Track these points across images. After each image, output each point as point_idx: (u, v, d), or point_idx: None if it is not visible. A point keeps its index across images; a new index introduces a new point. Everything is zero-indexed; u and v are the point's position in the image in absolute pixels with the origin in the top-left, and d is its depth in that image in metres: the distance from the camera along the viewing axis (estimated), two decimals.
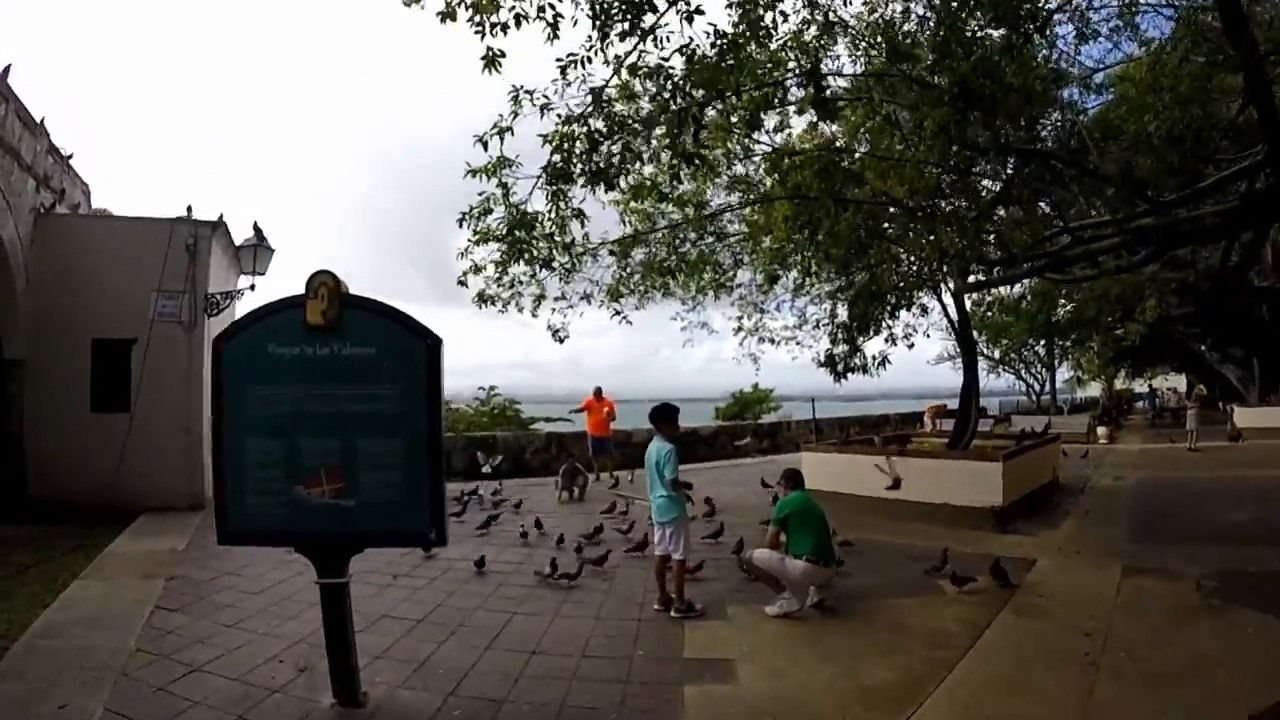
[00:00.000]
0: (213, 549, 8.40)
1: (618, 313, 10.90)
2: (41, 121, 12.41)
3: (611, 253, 10.59)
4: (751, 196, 11.38)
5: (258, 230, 12.24)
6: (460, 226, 7.58)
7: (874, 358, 12.90)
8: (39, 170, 12.38)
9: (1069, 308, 28.26)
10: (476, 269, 8.70)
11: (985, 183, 10.35)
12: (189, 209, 12.91)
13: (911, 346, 13.89)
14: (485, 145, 6.56)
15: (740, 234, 12.88)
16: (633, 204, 10.52)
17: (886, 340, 13.17)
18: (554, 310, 10.65)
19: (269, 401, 5.26)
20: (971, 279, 12.62)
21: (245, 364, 5.25)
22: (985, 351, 34.25)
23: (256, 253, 12.10)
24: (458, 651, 6.15)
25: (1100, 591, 7.35)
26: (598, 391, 16.31)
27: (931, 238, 9.91)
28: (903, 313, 12.81)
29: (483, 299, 9.46)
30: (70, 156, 13.91)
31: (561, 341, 10.27)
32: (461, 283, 8.76)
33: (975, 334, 34.51)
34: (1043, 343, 35.64)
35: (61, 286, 12.21)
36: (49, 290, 12.17)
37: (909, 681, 5.40)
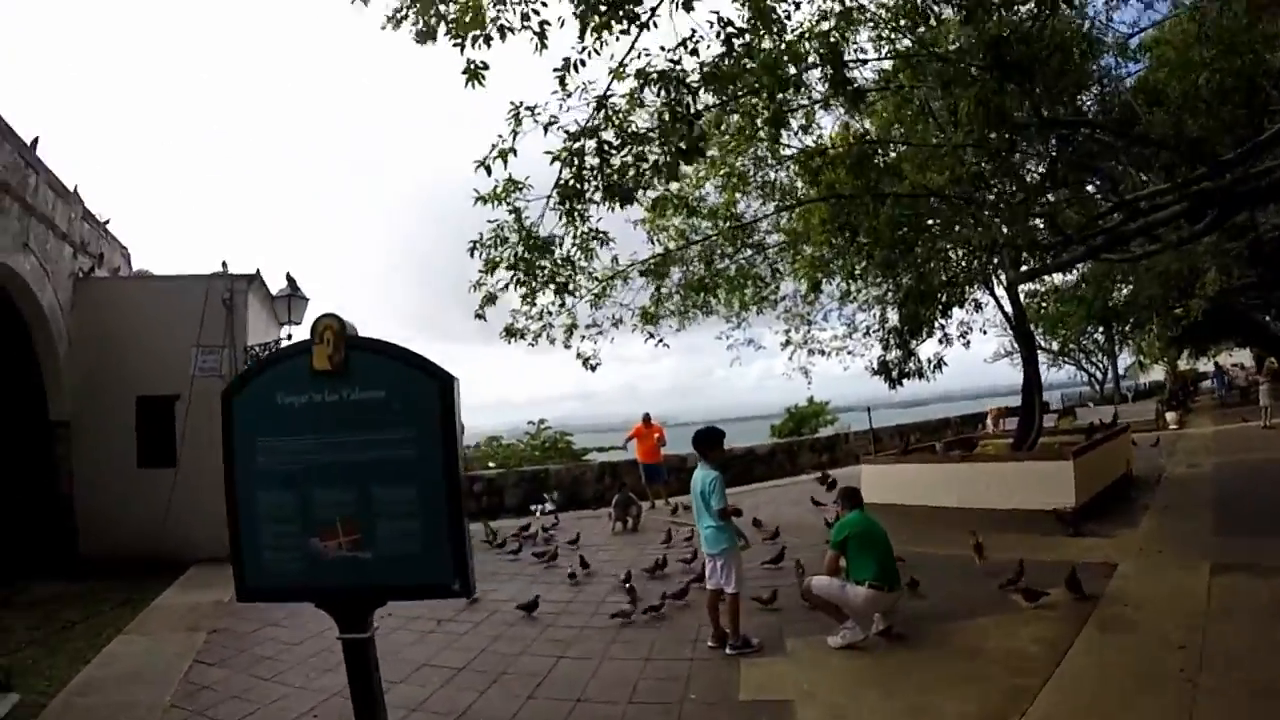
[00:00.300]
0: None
1: (651, 335, 10.39)
2: (75, 189, 12.62)
3: (642, 274, 10.09)
4: (785, 202, 10.77)
5: (291, 280, 12.18)
6: (471, 256, 7.22)
7: (929, 360, 12.23)
8: (75, 237, 12.58)
9: (1126, 291, 26.97)
10: (491, 299, 8.07)
11: (1030, 165, 9.67)
12: (224, 264, 13.09)
13: (968, 345, 13.19)
14: (489, 170, 6.20)
15: (779, 244, 12.33)
16: (659, 220, 10.04)
17: (940, 341, 12.48)
18: (584, 338, 10.18)
19: (279, 452, 4.93)
20: (1024, 268, 11.82)
21: (254, 415, 4.99)
22: (1043, 344, 32.95)
23: (291, 303, 12.02)
24: (499, 700, 5.81)
25: (1190, 595, 6.63)
26: (646, 418, 15.80)
27: (979, 228, 9.23)
28: (955, 311, 12.08)
29: (510, 333, 9.10)
30: (107, 222, 14.15)
31: (593, 369, 9.84)
32: (480, 315, 8.17)
33: (1032, 327, 33.39)
34: (1101, 330, 34.12)
35: (103, 348, 12.36)
36: (91, 352, 12.34)
37: (986, 716, 4.84)
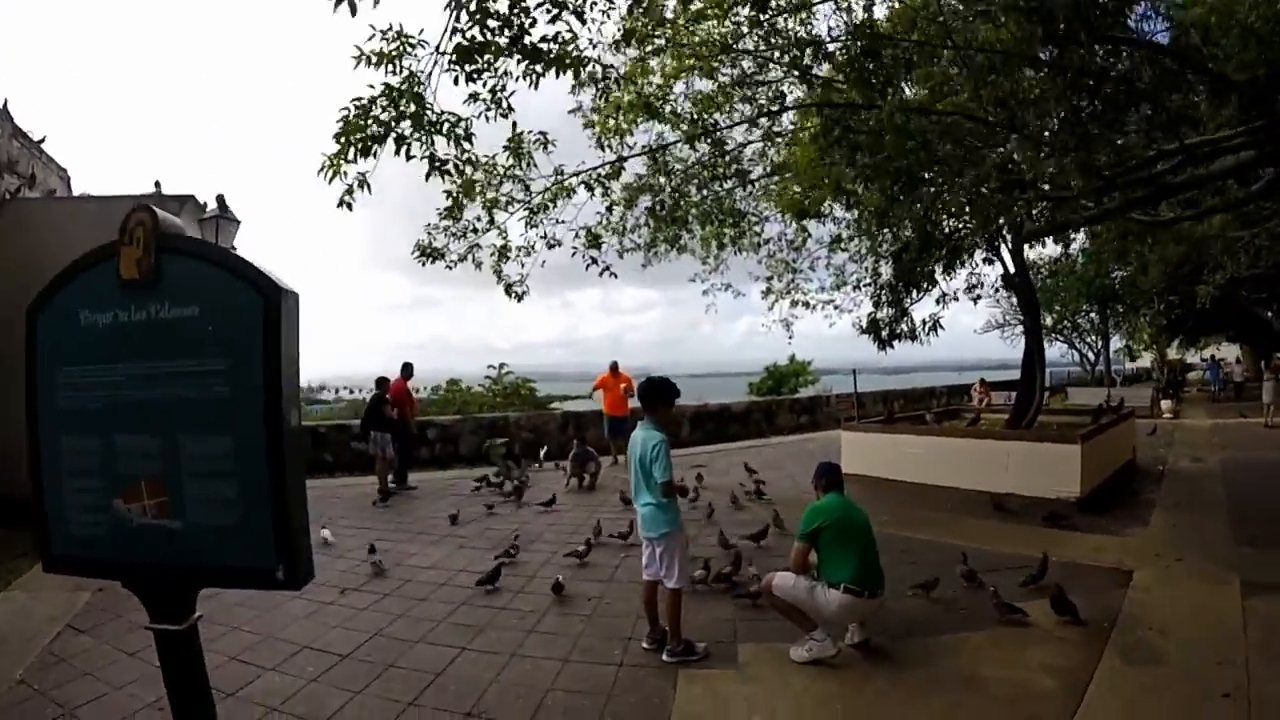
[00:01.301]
0: None
1: (594, 261, 8.33)
2: (5, 106, 11.51)
3: (587, 187, 8.11)
4: (771, 107, 8.84)
5: (220, 201, 10.74)
6: (340, 144, 5.11)
7: (924, 322, 10.77)
8: (1, 157, 11.18)
9: (1126, 271, 25.51)
10: (350, 194, 5.44)
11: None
12: (157, 184, 11.64)
13: (977, 300, 11.72)
14: (353, 7, 4.30)
15: (764, 175, 10.72)
16: (611, 122, 8.14)
17: (938, 301, 11.04)
18: (510, 258, 8.39)
19: (81, 386, 3.52)
20: (1038, 223, 10.17)
21: (57, 338, 3.66)
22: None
23: (219, 225, 10.56)
24: (372, 707, 4.52)
25: (1222, 623, 5.28)
26: (613, 366, 14.13)
27: (1007, 161, 7.56)
28: (955, 269, 10.58)
29: (426, 253, 7.55)
30: (42, 140, 12.74)
31: (519, 298, 8.19)
32: (345, 204, 5.50)
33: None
34: (1095, 309, 32.64)
35: (28, 273, 10.69)
36: (16, 277, 10.74)
37: None
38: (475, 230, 7.57)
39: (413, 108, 4.88)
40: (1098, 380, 31.74)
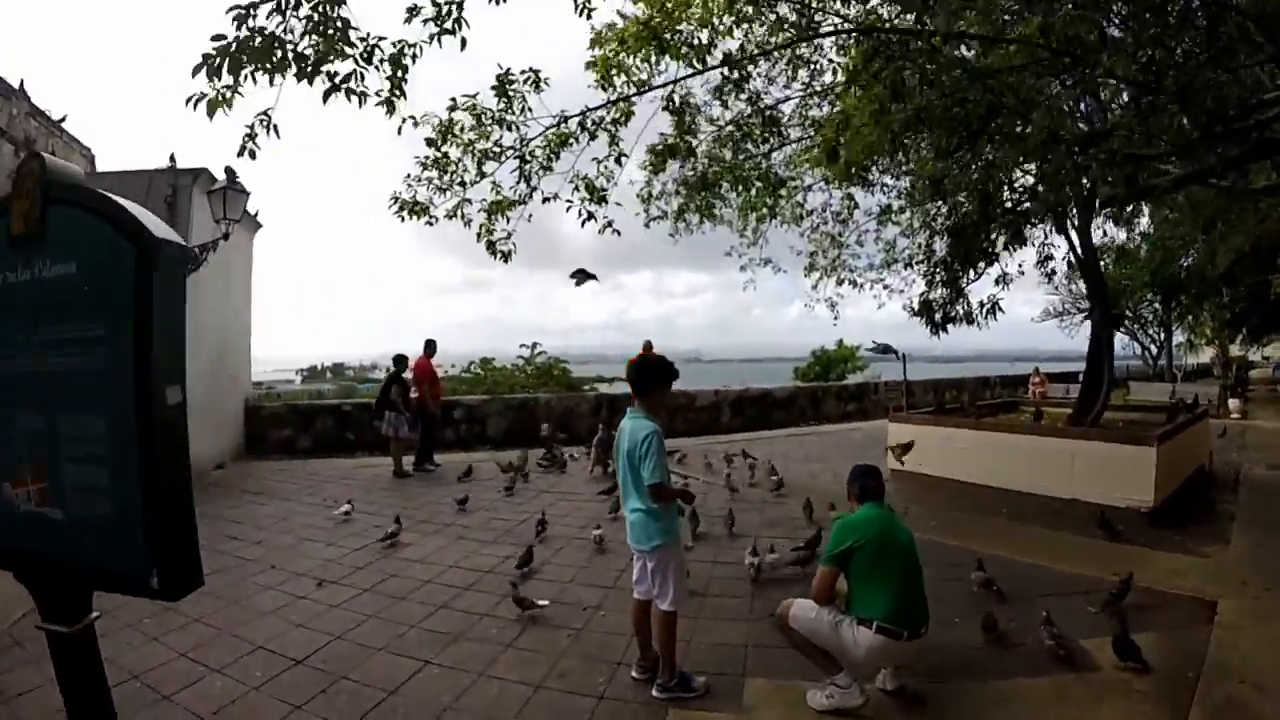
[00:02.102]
0: None
1: (591, 217, 7.04)
2: (21, 85, 11.08)
3: (585, 129, 6.79)
4: (803, 33, 7.37)
5: (229, 173, 10.09)
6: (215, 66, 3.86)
7: (981, 304, 9.58)
8: (17, 134, 10.86)
9: (1191, 259, 23.51)
10: (251, 139, 4.39)
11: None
12: (172, 158, 11.09)
13: (1052, 274, 10.59)
14: None
15: (804, 137, 9.58)
16: (618, 56, 6.80)
17: (998, 281, 9.83)
18: (493, 212, 7.19)
19: None
20: (1111, 192, 8.77)
21: None
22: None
23: (226, 196, 9.94)
24: None
25: None
26: (647, 346, 12.99)
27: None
28: (1020, 244, 9.36)
29: (406, 208, 6.65)
30: (63, 119, 12.24)
31: (505, 259, 7.09)
32: (247, 151, 4.48)
33: (1085, 287, 29.73)
34: (1159, 299, 30.28)
35: None
36: None
37: None
38: (464, 183, 6.64)
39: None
40: (1159, 375, 29.51)
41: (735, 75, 7.19)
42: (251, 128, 4.22)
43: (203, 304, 11.07)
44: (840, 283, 11.93)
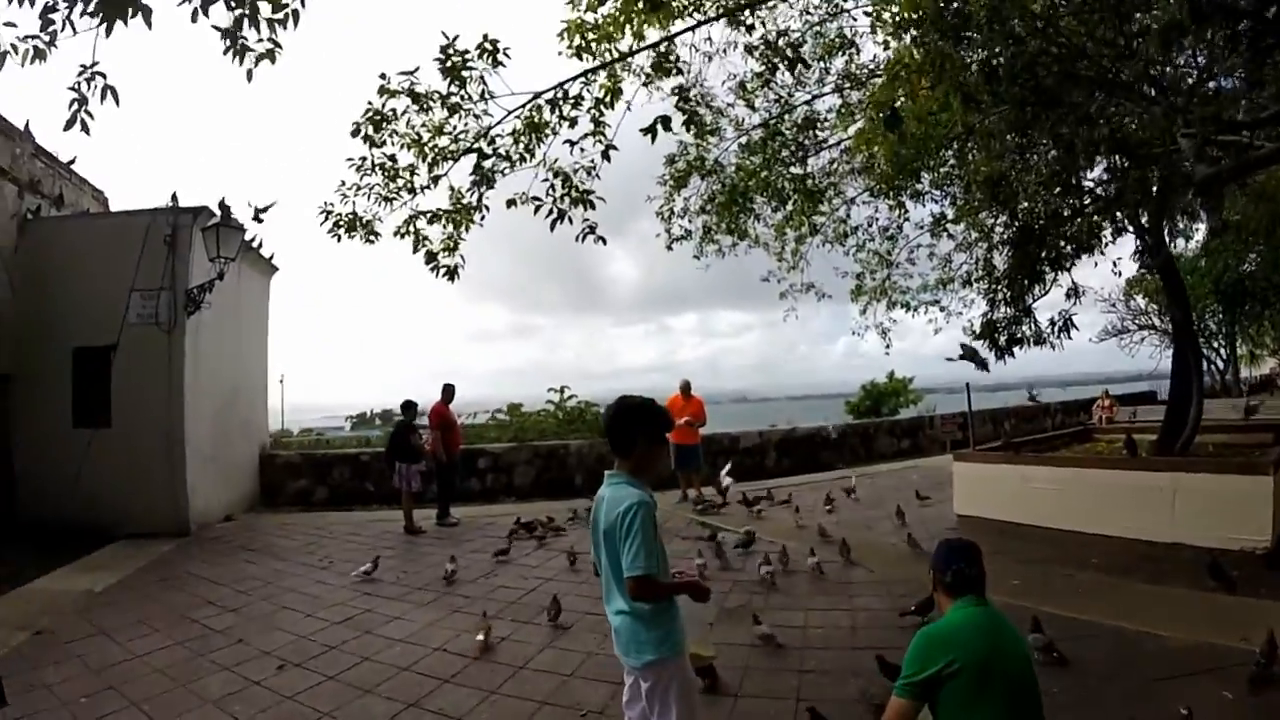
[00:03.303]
0: (136, 594, 6.98)
1: (561, 216, 5.65)
2: (26, 126, 10.99)
3: (561, 113, 5.53)
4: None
5: (223, 208, 9.45)
6: None
7: (1052, 321, 8.37)
8: (21, 175, 10.90)
9: (1255, 264, 21.61)
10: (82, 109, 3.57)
11: None
12: (174, 197, 10.59)
13: (1150, 270, 9.43)
14: None
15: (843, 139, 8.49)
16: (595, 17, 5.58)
17: (1068, 296, 8.58)
18: (462, 224, 5.98)
19: None
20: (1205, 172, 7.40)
21: None
22: (1157, 323, 27.14)
23: (220, 234, 9.29)
24: None
25: None
26: (685, 387, 11.72)
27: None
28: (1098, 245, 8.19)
29: (340, 224, 5.58)
30: (72, 161, 12.08)
31: (451, 277, 5.89)
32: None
33: (1143, 302, 27.49)
34: (1223, 309, 27.84)
35: (46, 293, 10.46)
36: (35, 298, 10.46)
37: None
38: (413, 190, 5.58)
39: None
40: (1225, 390, 27.08)
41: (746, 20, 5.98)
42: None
43: (207, 348, 10.40)
44: (891, 306, 10.76)
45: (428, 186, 5.55)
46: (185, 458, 9.85)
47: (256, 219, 10.42)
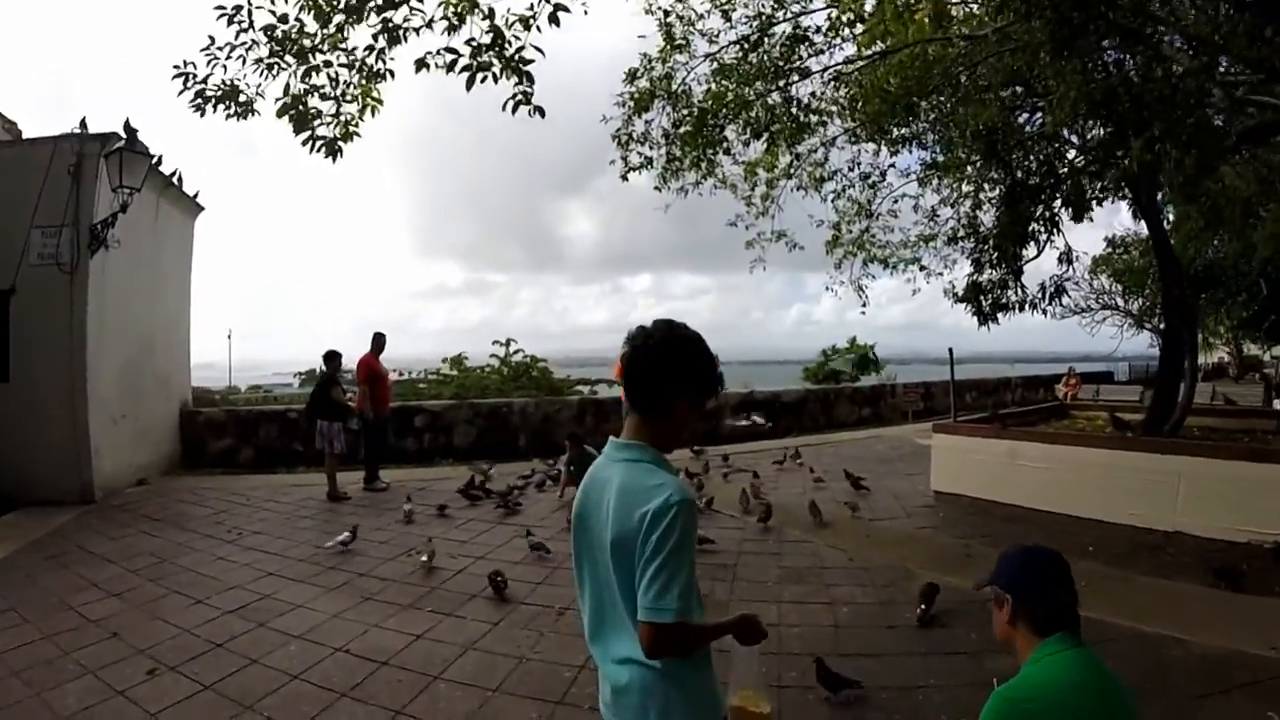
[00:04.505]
0: (18, 575, 5.98)
1: (480, 71, 4.32)
2: None
3: None
4: None
5: (129, 131, 8.12)
6: None
7: (1043, 286, 7.71)
8: None
9: (1221, 250, 21.30)
10: None
11: None
12: (83, 123, 9.06)
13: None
14: None
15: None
16: None
17: (1061, 260, 7.85)
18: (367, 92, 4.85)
19: None
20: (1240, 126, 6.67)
21: None
22: (1121, 304, 26.88)
23: (124, 160, 8.00)
24: None
25: None
26: None
27: None
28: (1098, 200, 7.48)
29: (207, 98, 4.43)
30: None
31: (334, 156, 4.67)
32: None
33: (1108, 284, 27.30)
34: (1190, 294, 27.74)
35: None
36: None
37: None
38: (303, 51, 4.35)
39: None
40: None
41: None
42: None
43: (116, 293, 9.12)
44: (869, 261, 9.90)
45: (321, 49, 4.42)
46: (88, 416, 8.64)
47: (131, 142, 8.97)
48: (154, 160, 9.19)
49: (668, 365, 1.79)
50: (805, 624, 4.64)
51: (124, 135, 8.18)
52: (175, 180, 10.55)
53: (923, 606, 4.62)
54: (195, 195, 11.42)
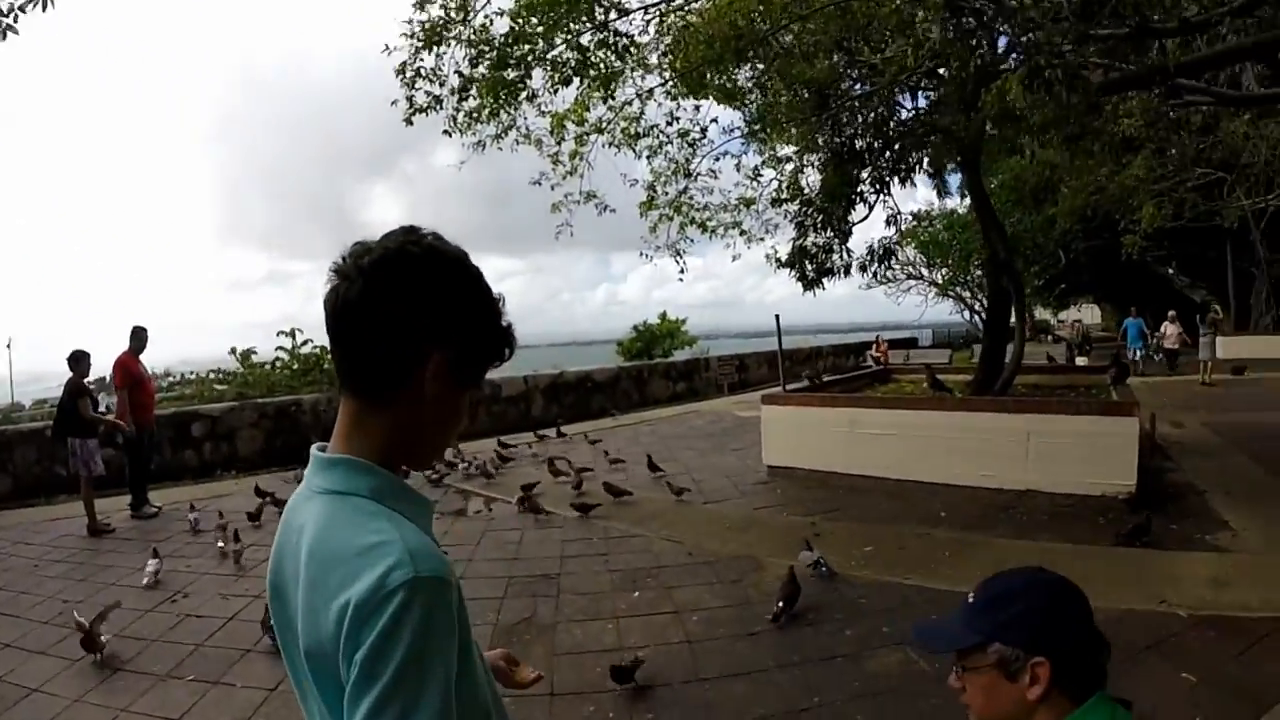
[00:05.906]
0: None
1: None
2: None
3: None
4: None
5: None
6: None
7: (871, 249, 7.45)
8: None
9: (1025, 223, 23.25)
10: None
11: None
12: None
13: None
14: None
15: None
16: None
17: (889, 222, 7.64)
18: None
19: None
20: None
21: None
22: (925, 274, 28.62)
23: None
24: None
25: None
26: None
27: None
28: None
29: None
30: None
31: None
32: None
33: (913, 255, 29.18)
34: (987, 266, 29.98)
35: None
36: None
37: None
38: None
39: None
40: (978, 339, 29.62)
41: None
42: None
43: None
44: (686, 225, 9.22)
45: None
46: None
47: None
48: None
49: (404, 300, 0.89)
50: (653, 643, 3.75)
51: None
52: None
53: (780, 604, 3.95)
54: None
